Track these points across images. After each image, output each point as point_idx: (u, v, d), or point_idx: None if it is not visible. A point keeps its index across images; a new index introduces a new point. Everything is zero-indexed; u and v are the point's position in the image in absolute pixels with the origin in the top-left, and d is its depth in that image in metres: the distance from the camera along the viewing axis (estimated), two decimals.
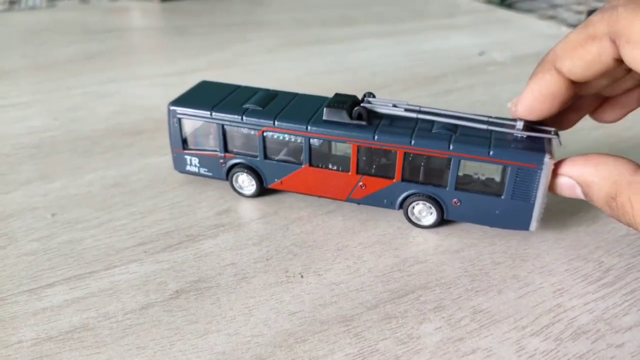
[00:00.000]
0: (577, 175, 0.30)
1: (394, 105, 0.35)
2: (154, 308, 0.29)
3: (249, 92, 0.38)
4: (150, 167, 0.42)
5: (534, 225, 0.33)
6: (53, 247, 0.33)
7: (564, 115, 0.33)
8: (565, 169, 0.30)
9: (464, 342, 0.28)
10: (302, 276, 0.32)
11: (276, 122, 0.35)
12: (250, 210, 0.37)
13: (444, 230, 0.36)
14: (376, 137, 0.33)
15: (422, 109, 0.35)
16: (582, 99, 0.33)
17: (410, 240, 0.35)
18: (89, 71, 0.62)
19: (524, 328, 0.29)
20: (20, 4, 0.89)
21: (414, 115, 0.34)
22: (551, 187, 0.31)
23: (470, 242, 0.35)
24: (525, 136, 0.32)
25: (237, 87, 0.39)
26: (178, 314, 0.29)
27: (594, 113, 0.34)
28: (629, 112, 0.33)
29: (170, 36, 0.77)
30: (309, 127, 0.34)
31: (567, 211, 0.37)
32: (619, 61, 0.27)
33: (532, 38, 0.78)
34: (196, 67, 0.64)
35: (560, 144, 0.32)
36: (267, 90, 0.39)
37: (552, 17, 0.90)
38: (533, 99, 0.30)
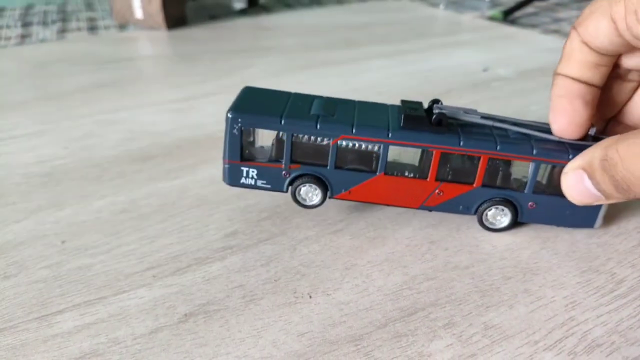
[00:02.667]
0: (579, 163, 0.30)
1: (465, 112, 0.35)
2: (163, 332, 0.29)
3: (305, 99, 0.36)
4: (159, 192, 0.42)
5: (598, 222, 0.36)
6: (63, 274, 0.34)
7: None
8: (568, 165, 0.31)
9: (476, 359, 0.27)
10: (310, 296, 0.32)
11: (354, 130, 0.33)
12: (257, 231, 0.37)
13: (452, 246, 0.35)
14: (462, 143, 0.33)
15: (494, 116, 0.35)
16: None
17: (419, 257, 0.35)
18: (98, 100, 0.63)
19: (536, 343, 0.28)
20: (31, 38, 0.91)
21: (489, 122, 0.35)
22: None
23: (480, 257, 0.34)
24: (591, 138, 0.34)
25: (288, 94, 0.37)
26: (187, 338, 0.29)
27: None
28: None
29: (178, 63, 0.78)
30: (390, 135, 0.33)
31: None
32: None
33: (536, 52, 0.78)
34: (203, 93, 0.65)
35: None
36: (323, 97, 0.37)
37: (555, 31, 0.90)
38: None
